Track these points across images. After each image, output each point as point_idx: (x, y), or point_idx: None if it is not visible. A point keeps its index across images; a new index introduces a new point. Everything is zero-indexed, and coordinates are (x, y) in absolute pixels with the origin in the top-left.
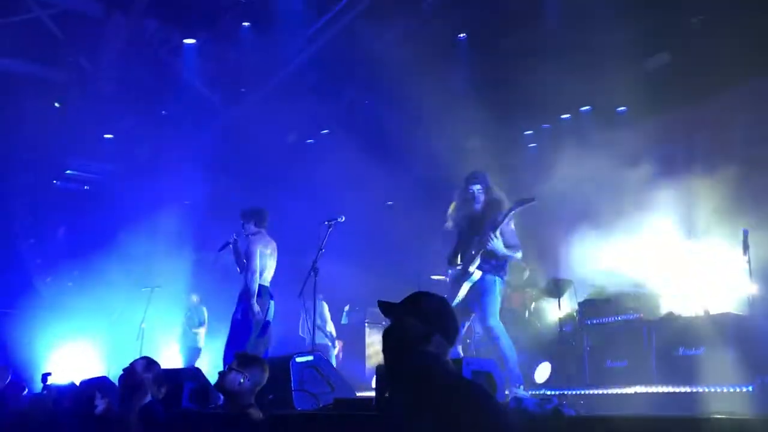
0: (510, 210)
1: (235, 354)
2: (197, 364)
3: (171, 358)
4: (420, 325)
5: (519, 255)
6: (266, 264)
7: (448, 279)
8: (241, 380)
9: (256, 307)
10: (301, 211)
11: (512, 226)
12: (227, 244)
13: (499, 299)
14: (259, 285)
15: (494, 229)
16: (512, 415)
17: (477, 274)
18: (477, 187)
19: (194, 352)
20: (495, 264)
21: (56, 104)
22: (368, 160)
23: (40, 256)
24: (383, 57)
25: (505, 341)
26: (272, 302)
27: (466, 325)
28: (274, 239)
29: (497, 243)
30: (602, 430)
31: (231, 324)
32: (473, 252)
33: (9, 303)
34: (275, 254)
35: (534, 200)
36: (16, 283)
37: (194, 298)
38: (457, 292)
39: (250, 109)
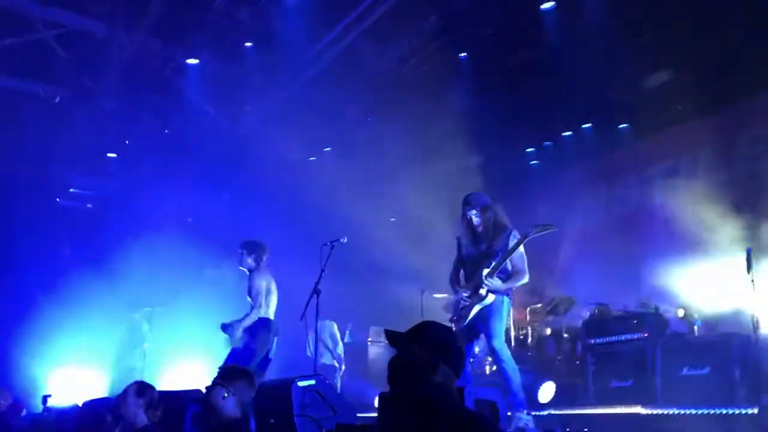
0: (525, 237)
1: (220, 367)
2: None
3: (173, 379)
4: (426, 354)
5: (524, 281)
6: (271, 299)
7: (453, 298)
8: (225, 394)
9: (265, 338)
10: (304, 229)
11: (521, 249)
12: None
13: (505, 320)
14: (265, 318)
15: (506, 256)
16: None
17: (491, 298)
18: (473, 212)
19: (130, 371)
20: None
21: None
22: (371, 178)
23: (42, 274)
24: (385, 75)
25: (510, 364)
26: (276, 339)
27: (475, 345)
28: (280, 257)
29: (498, 283)
30: None
31: (229, 353)
32: (484, 275)
33: (11, 322)
34: (276, 288)
35: (554, 228)
36: (17, 302)
37: (137, 316)
38: (466, 313)
39: (253, 128)
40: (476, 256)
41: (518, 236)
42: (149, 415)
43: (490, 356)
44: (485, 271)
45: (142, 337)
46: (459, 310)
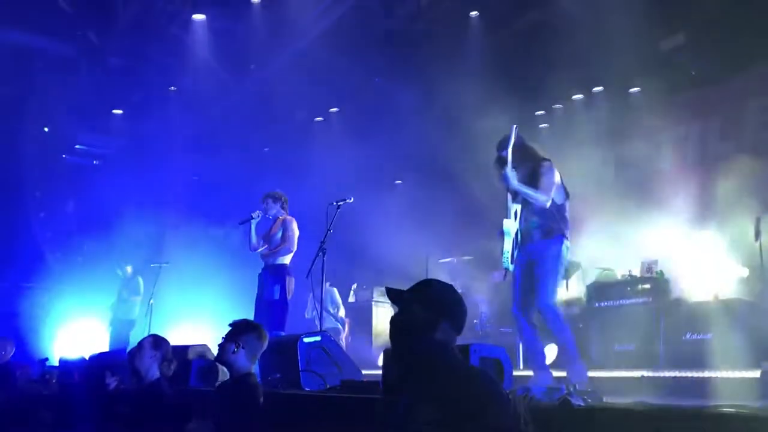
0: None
1: (230, 323)
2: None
3: (179, 334)
4: (427, 312)
5: (542, 199)
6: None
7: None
8: (234, 349)
9: (292, 286)
10: (310, 189)
11: (556, 177)
12: (250, 218)
13: (559, 271)
14: (288, 266)
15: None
16: (519, 403)
17: (535, 244)
18: (504, 152)
19: (128, 324)
20: (543, 221)
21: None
22: (378, 138)
23: (49, 230)
24: (394, 34)
25: (565, 330)
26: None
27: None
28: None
29: (511, 175)
30: (610, 420)
31: (264, 305)
32: (514, 214)
33: (19, 277)
34: None
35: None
36: (26, 257)
37: (129, 269)
38: (515, 272)
39: (259, 86)
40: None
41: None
42: (163, 369)
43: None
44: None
45: (136, 289)
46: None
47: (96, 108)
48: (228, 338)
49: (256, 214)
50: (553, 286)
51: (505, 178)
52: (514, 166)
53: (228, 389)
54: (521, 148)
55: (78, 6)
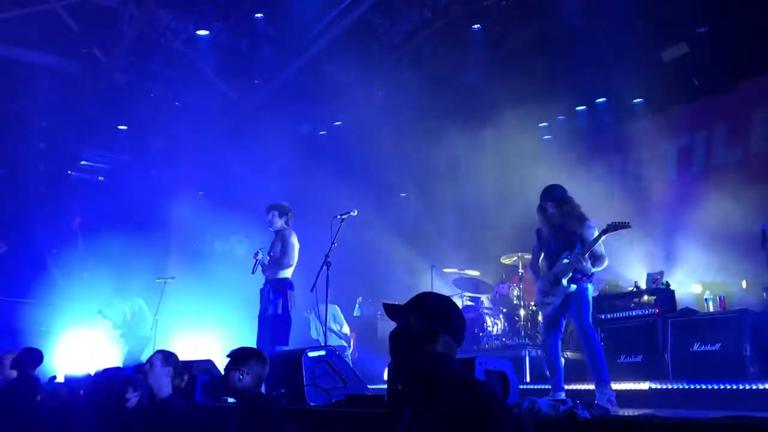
0: (602, 234)
1: (228, 354)
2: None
3: (184, 350)
4: (427, 325)
5: (604, 265)
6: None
7: (537, 286)
8: (240, 376)
9: (294, 301)
10: (315, 203)
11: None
12: (256, 262)
13: (591, 303)
14: (291, 281)
15: (585, 250)
16: (525, 416)
17: (573, 288)
18: (548, 204)
19: (144, 340)
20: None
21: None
22: (382, 151)
23: (54, 246)
24: (397, 47)
25: (597, 345)
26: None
27: (562, 328)
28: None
29: (588, 264)
30: None
31: (267, 320)
32: (564, 266)
33: (23, 292)
34: None
35: (629, 226)
36: (30, 273)
37: (116, 301)
38: (551, 301)
39: (263, 100)
40: (555, 247)
41: (595, 227)
42: (175, 383)
43: (581, 337)
44: (564, 262)
45: (140, 307)
46: (543, 298)
47: (101, 124)
48: (231, 368)
49: (260, 256)
50: (588, 314)
51: (585, 270)
52: (568, 227)
53: (244, 413)
54: (571, 211)
55: (83, 23)
